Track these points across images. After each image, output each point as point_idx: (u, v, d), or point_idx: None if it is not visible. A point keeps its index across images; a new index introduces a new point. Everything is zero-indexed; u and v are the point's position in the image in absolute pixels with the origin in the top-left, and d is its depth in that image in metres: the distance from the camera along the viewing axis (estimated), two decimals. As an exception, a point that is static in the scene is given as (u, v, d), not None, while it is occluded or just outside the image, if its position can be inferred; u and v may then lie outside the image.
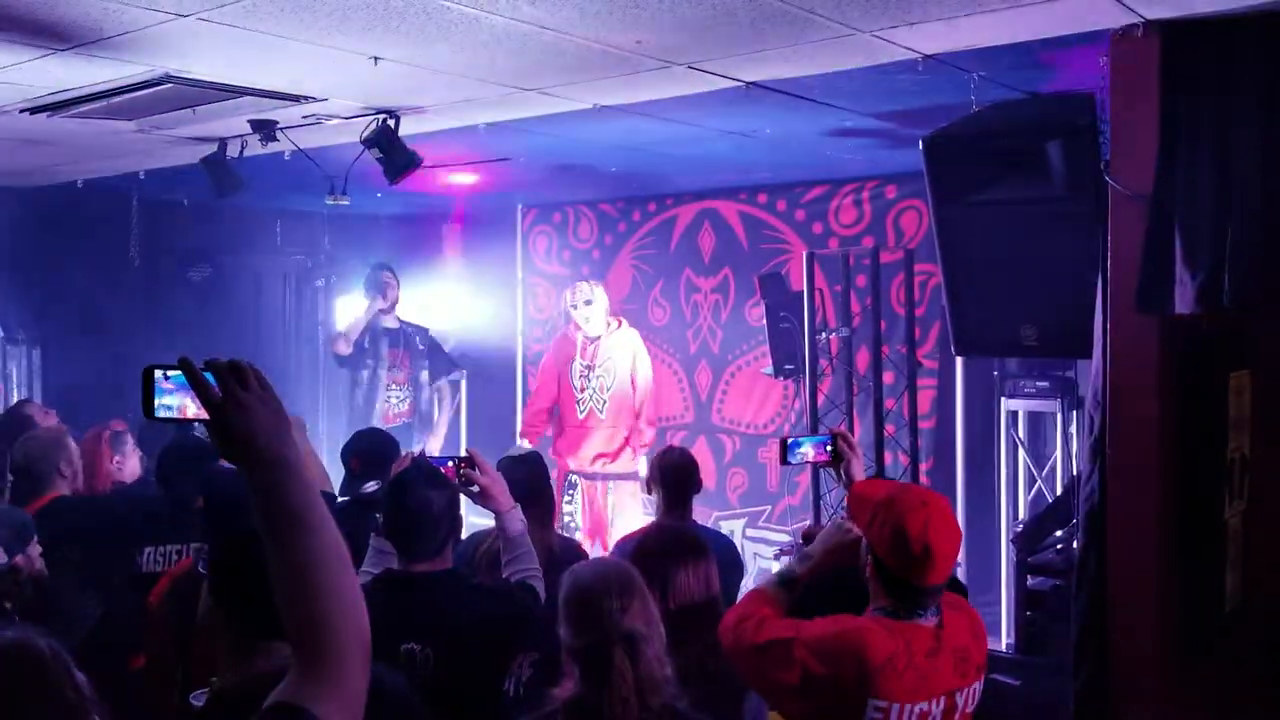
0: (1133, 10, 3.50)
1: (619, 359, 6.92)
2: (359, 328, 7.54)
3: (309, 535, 1.51)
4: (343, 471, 4.44)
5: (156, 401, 1.54)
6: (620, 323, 7.11)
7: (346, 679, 1.51)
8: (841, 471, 3.28)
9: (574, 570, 2.60)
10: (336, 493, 4.47)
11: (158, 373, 1.54)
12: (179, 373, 1.53)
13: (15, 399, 7.51)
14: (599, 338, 6.93)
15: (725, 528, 7.26)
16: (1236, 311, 3.54)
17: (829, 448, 3.29)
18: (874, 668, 2.43)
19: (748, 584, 4.48)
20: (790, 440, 3.29)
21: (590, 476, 6.91)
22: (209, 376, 1.53)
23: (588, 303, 6.88)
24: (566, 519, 6.82)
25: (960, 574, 6.19)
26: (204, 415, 1.52)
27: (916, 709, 2.48)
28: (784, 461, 3.29)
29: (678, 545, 3.15)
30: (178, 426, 4.41)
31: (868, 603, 2.61)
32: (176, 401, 1.54)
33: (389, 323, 7.67)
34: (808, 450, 3.30)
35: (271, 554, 1.52)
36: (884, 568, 2.54)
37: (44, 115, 5.13)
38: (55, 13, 3.58)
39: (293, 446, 1.54)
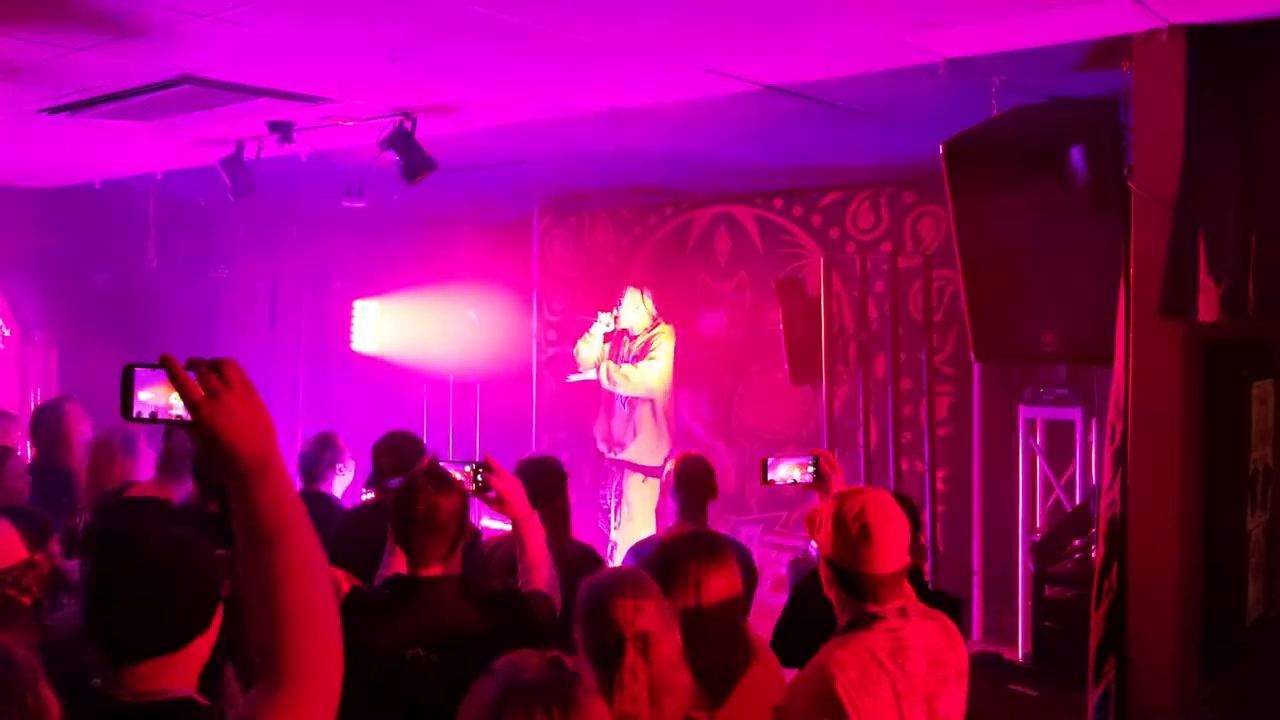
0: (1157, 14, 3.46)
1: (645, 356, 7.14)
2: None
3: (284, 545, 1.43)
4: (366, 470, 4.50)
5: (136, 401, 1.46)
6: (662, 323, 7.28)
7: (310, 696, 1.44)
8: (824, 492, 3.26)
9: (593, 576, 2.56)
10: (362, 489, 4.52)
11: (139, 371, 1.46)
12: (161, 371, 1.45)
13: (33, 398, 7.53)
14: (636, 335, 7.17)
15: (743, 533, 7.23)
16: (1261, 320, 3.49)
17: (811, 469, 3.27)
18: (847, 688, 2.41)
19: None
20: (770, 460, 3.28)
21: (610, 460, 7.26)
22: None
23: (623, 308, 7.20)
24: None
25: (976, 583, 6.19)
26: (184, 415, 1.44)
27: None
28: (764, 481, 3.28)
29: (704, 547, 3.12)
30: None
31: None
32: (157, 401, 1.46)
33: None
34: (789, 471, 3.28)
35: (242, 559, 1.43)
36: (835, 566, 2.57)
37: (63, 116, 5.13)
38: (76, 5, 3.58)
39: (275, 449, 1.46)
